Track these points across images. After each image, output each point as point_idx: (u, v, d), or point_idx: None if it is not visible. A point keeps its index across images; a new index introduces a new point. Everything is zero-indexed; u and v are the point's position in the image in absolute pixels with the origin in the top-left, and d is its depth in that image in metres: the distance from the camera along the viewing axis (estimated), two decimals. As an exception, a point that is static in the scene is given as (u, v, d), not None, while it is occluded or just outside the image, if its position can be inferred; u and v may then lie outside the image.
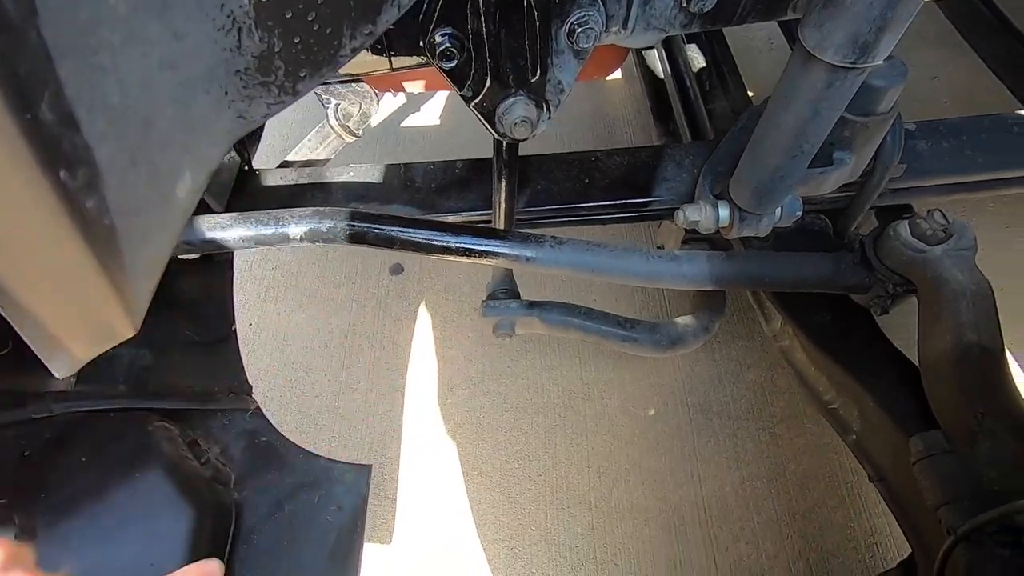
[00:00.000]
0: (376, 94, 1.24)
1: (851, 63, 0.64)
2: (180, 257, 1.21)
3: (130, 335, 0.32)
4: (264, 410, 1.66)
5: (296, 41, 0.34)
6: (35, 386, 1.25)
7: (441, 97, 2.35)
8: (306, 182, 1.20)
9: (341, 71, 0.67)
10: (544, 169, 1.19)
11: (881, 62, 0.67)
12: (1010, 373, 0.74)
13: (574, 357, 1.72)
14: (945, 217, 0.82)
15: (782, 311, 1.08)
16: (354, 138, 1.33)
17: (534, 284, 1.81)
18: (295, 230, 0.92)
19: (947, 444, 0.72)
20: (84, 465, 1.11)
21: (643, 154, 1.20)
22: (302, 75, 0.36)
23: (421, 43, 0.66)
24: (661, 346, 1.16)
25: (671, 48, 1.61)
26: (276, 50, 0.33)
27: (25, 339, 0.27)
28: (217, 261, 1.45)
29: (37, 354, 0.28)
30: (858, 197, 1.08)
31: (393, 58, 0.70)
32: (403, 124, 2.31)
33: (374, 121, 2.36)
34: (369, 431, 1.63)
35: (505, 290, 1.19)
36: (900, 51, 0.70)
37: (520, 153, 1.22)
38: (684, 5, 0.70)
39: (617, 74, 2.35)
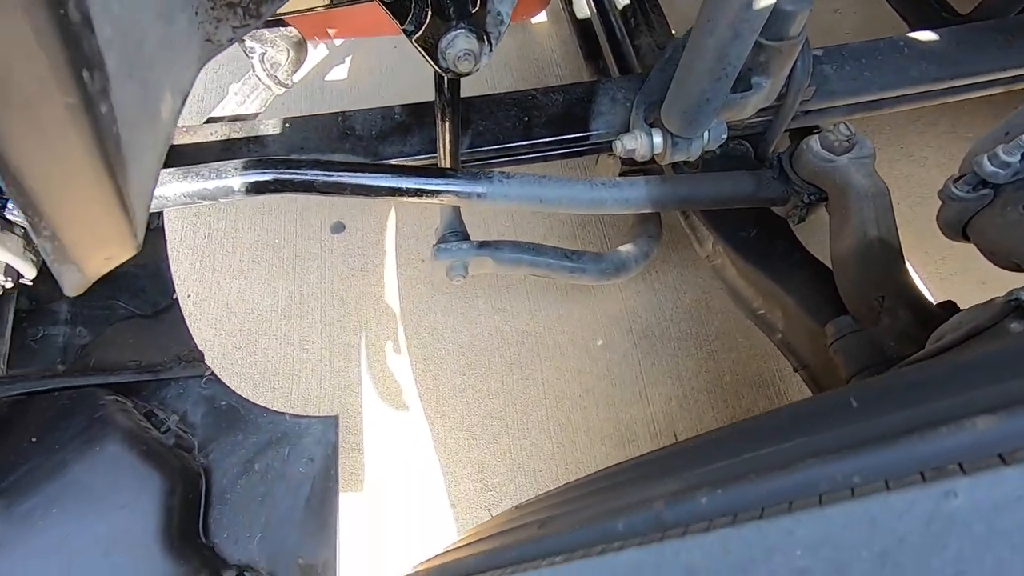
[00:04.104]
0: (305, 40, 1.19)
1: (765, -16, 0.70)
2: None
3: (132, 254, 0.33)
4: (217, 377, 1.63)
5: (259, -39, 0.34)
6: (-37, 375, 1.18)
7: (366, 47, 2.27)
8: (239, 136, 1.16)
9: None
10: (484, 110, 1.21)
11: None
12: (904, 259, 0.86)
13: (523, 299, 1.78)
14: (849, 129, 0.92)
15: (712, 230, 1.18)
16: (284, 89, 1.29)
17: (477, 228, 1.84)
18: (238, 182, 0.91)
19: (855, 325, 0.83)
20: (35, 445, 1.07)
21: (578, 90, 1.24)
22: (265, -4, 0.37)
23: (360, -25, 0.66)
24: (607, 274, 1.23)
25: (596, -13, 1.63)
26: (241, -31, 0.34)
27: (42, 251, 0.28)
28: (148, 230, 1.40)
29: (52, 268, 0.29)
30: (775, 120, 1.17)
31: (331, -7, 0.69)
32: (328, 78, 2.22)
33: (295, 76, 2.26)
34: (328, 388, 1.64)
35: (455, 232, 1.22)
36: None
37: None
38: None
39: (542, 16, 2.34)
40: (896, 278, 0.84)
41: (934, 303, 0.84)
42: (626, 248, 1.26)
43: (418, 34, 0.74)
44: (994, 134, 0.62)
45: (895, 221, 0.88)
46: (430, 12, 0.71)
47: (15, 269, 0.82)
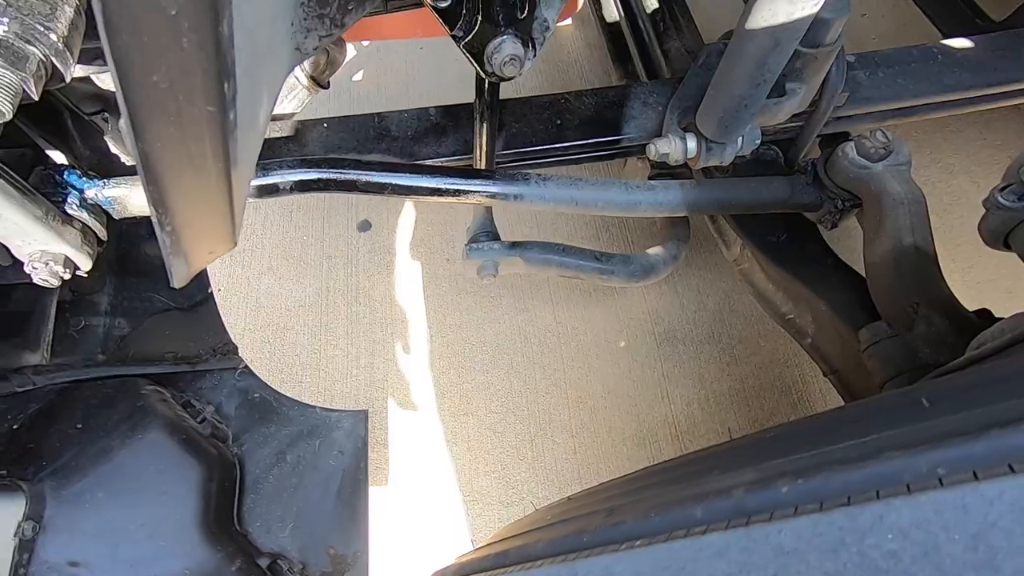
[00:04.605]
0: (344, 41, 1.22)
1: (809, -6, 0.71)
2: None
3: (230, 249, 0.35)
4: (247, 370, 1.66)
5: (348, -26, 0.36)
6: (10, 363, 1.22)
7: (392, 49, 2.30)
8: (278, 136, 1.19)
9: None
10: (517, 112, 1.22)
11: (834, -8, 0.74)
12: (939, 267, 0.87)
13: (546, 300, 1.80)
14: (886, 135, 0.93)
15: (742, 234, 1.19)
16: (321, 90, 1.31)
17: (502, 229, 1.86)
18: (284, 180, 0.94)
19: (890, 330, 0.84)
20: (80, 432, 1.11)
21: (610, 94, 1.25)
22: (350, 8, 0.39)
23: (415, -17, 0.68)
24: (636, 276, 1.24)
25: (625, -9, 1.64)
26: (334, -18, 0.36)
27: (161, 244, 0.30)
28: (186, 224, 1.43)
29: (166, 260, 0.31)
30: (807, 125, 1.18)
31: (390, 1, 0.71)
32: (355, 79, 2.25)
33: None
34: (354, 383, 1.67)
35: (486, 232, 1.24)
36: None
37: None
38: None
39: (567, 20, 2.36)
40: (931, 285, 0.84)
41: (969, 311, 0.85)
42: (655, 251, 1.27)
43: (467, 39, 0.76)
44: (1041, 144, 0.62)
45: (931, 228, 0.88)
46: (480, 18, 0.73)
47: (72, 261, 0.86)
